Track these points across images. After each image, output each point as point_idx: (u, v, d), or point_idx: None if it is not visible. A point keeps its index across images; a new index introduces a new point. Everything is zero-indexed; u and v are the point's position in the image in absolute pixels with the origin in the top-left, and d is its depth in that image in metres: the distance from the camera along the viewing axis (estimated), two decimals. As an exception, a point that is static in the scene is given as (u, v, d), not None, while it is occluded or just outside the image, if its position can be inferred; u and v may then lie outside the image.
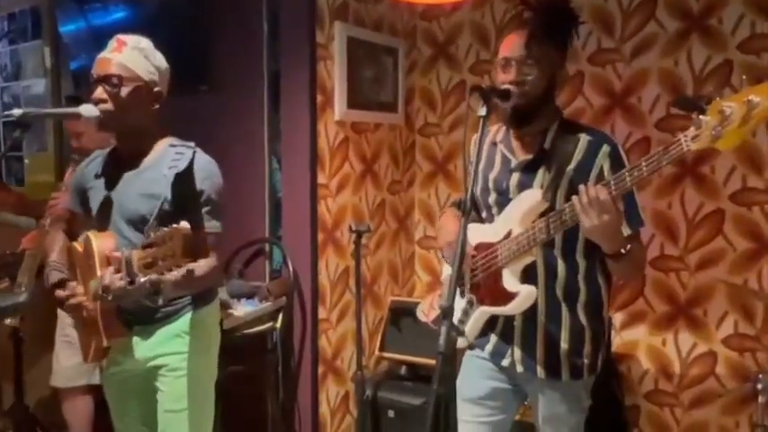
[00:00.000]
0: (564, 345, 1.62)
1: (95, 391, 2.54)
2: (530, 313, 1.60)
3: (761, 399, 1.65)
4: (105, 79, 1.62)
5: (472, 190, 1.40)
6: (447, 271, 1.79)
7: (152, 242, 1.41)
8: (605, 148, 1.54)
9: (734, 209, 2.48)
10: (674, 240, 2.60)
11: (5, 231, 2.93)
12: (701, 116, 1.22)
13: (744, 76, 1.22)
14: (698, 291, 2.56)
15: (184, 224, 1.40)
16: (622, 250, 1.43)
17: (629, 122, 2.64)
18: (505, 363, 1.68)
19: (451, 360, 1.34)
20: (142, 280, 1.44)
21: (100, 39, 2.96)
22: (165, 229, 1.40)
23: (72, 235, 1.85)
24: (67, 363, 2.50)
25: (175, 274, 1.42)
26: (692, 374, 2.59)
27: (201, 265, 1.64)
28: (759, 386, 1.65)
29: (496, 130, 1.72)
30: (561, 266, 1.60)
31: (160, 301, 1.68)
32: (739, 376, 2.50)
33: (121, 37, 1.66)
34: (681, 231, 2.58)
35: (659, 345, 2.65)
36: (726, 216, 2.50)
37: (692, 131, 1.24)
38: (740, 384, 2.47)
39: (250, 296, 2.57)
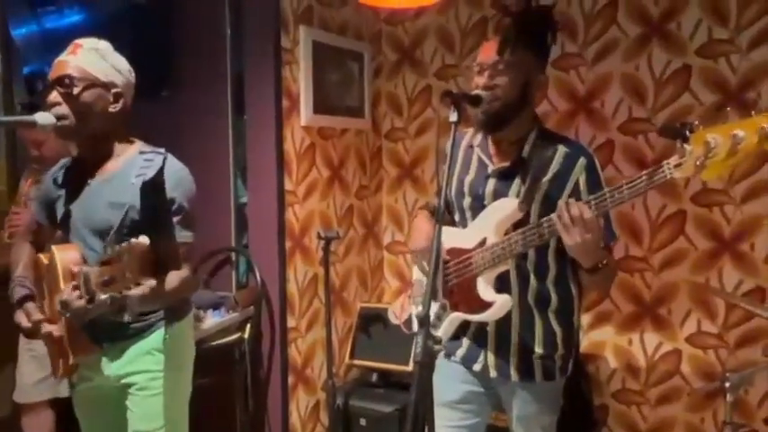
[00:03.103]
0: (537, 349, 1.62)
1: (58, 405, 2.45)
2: (503, 319, 1.60)
3: (729, 397, 1.67)
4: (59, 81, 1.54)
5: (445, 194, 1.38)
6: (417, 273, 1.77)
7: (109, 259, 1.35)
8: (582, 161, 1.54)
9: (695, 210, 2.53)
10: (639, 241, 2.63)
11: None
12: (684, 145, 1.23)
13: (728, 108, 1.23)
14: (662, 290, 2.60)
15: (142, 239, 1.33)
16: (600, 264, 1.43)
17: (593, 126, 2.67)
18: (477, 367, 1.68)
19: (429, 369, 1.30)
20: (102, 297, 1.37)
21: (54, 43, 2.85)
22: (123, 244, 1.33)
23: (39, 247, 1.77)
24: (31, 378, 2.42)
25: (137, 291, 1.35)
26: (657, 373, 2.63)
27: (172, 278, 1.58)
28: (727, 384, 1.67)
29: (474, 133, 1.70)
30: (533, 275, 1.61)
31: (127, 317, 1.60)
32: (703, 373, 2.55)
33: (79, 41, 1.59)
34: (645, 232, 2.62)
35: (626, 344, 2.68)
36: (687, 217, 2.55)
37: (674, 159, 1.25)
38: (705, 382, 2.52)
39: (217, 307, 2.50)
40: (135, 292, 1.35)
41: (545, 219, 1.44)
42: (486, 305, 1.54)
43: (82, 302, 1.39)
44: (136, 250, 1.32)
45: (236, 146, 2.69)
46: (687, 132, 1.22)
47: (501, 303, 1.53)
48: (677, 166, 1.24)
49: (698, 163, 1.20)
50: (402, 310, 1.78)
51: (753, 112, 1.17)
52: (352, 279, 3.04)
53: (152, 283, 1.39)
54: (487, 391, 1.71)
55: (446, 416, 1.69)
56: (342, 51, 2.86)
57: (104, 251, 1.40)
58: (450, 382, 1.70)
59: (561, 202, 1.39)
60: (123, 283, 1.34)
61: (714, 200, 2.49)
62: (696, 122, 1.23)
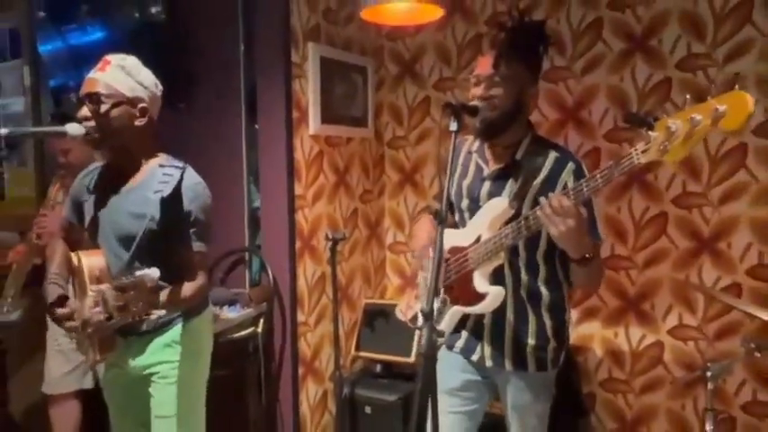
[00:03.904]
0: (530, 341, 1.64)
1: (83, 396, 2.45)
2: (498, 312, 1.61)
3: (710, 385, 1.68)
4: (89, 97, 1.56)
5: (447, 196, 1.39)
6: (422, 273, 1.78)
7: (123, 287, 1.36)
8: (570, 166, 1.55)
9: (676, 211, 2.54)
10: (624, 241, 2.64)
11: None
12: (649, 132, 1.24)
13: (688, 96, 1.24)
14: (645, 286, 2.61)
15: (152, 272, 1.35)
16: (587, 255, 1.44)
17: (581, 134, 2.68)
18: (475, 357, 1.69)
19: (433, 360, 1.31)
20: (118, 318, 1.39)
21: (78, 58, 2.87)
22: (133, 276, 1.35)
23: (73, 244, 1.78)
24: (58, 372, 2.42)
25: (148, 317, 1.39)
26: (642, 363, 2.64)
27: (187, 288, 1.61)
28: (708, 374, 1.67)
29: (472, 141, 1.72)
30: (524, 272, 1.62)
31: (145, 327, 1.63)
32: (684, 364, 2.56)
33: (108, 57, 1.60)
34: (629, 233, 2.63)
35: (612, 337, 2.69)
36: (669, 218, 2.56)
37: (641, 146, 1.26)
38: (686, 371, 2.53)
39: (232, 303, 2.52)
40: (144, 317, 1.39)
41: (530, 212, 1.45)
42: (481, 297, 1.55)
43: (101, 318, 1.41)
44: (145, 284, 1.34)
45: (249, 153, 2.70)
46: (652, 120, 1.24)
47: (494, 294, 1.54)
48: (644, 151, 1.25)
49: (661, 147, 1.21)
50: (408, 308, 1.79)
51: (708, 97, 1.18)
52: (357, 277, 3.05)
53: (161, 312, 1.43)
54: (485, 380, 1.73)
55: (447, 402, 1.70)
56: (347, 65, 2.87)
57: (120, 278, 1.41)
58: (452, 371, 1.72)
59: (543, 198, 1.40)
60: (135, 312, 1.37)
61: (693, 202, 2.51)
62: (658, 111, 1.25)
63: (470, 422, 1.74)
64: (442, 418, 1.71)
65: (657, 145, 1.23)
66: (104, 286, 1.40)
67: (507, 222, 1.52)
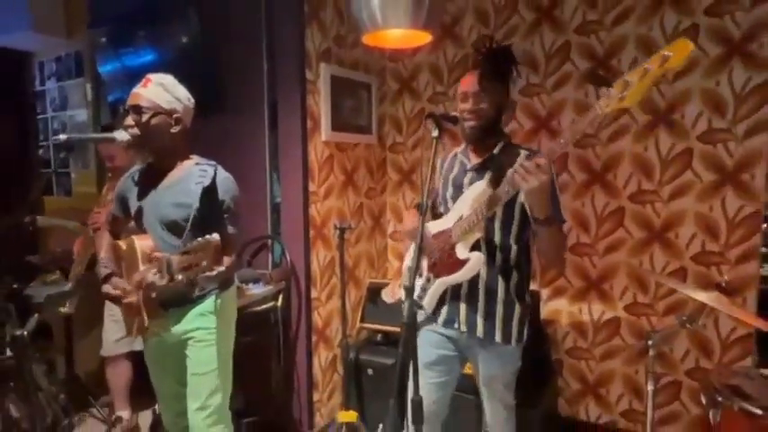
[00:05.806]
0: (498, 311, 1.65)
1: (134, 357, 2.53)
2: (473, 285, 1.64)
3: (651, 352, 1.69)
4: (133, 109, 1.62)
5: (433, 194, 1.41)
6: (408, 260, 1.82)
7: (188, 250, 1.42)
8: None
9: (632, 206, 2.55)
10: (587, 231, 2.66)
11: (57, 233, 2.88)
12: (610, 89, 1.25)
13: (636, 56, 1.24)
14: (605, 270, 2.63)
15: (216, 236, 1.40)
16: (549, 215, 1.45)
17: (552, 140, 2.67)
18: (456, 326, 1.71)
19: (414, 329, 1.35)
20: (180, 278, 1.44)
21: (132, 76, 2.92)
22: (200, 240, 1.40)
23: (116, 234, 1.83)
24: (113, 336, 2.51)
25: (212, 274, 1.44)
26: (601, 335, 2.66)
27: (226, 260, 1.65)
28: (650, 342, 1.69)
29: (460, 146, 1.77)
30: (498, 250, 1.64)
31: (196, 291, 1.69)
32: (637, 335, 2.57)
33: (150, 75, 1.65)
34: (592, 224, 2.64)
35: (577, 312, 2.71)
36: (626, 212, 2.56)
37: (603, 101, 1.26)
38: (637, 341, 2.55)
39: (256, 281, 2.57)
40: (209, 274, 1.44)
41: (505, 178, 1.46)
42: (463, 263, 1.58)
43: (164, 282, 1.47)
44: (212, 244, 1.40)
45: (271, 157, 2.73)
46: (612, 82, 1.25)
47: (475, 259, 1.57)
48: (606, 105, 1.25)
49: (619, 97, 1.23)
50: (394, 293, 1.85)
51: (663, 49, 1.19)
52: (362, 260, 3.09)
53: (222, 268, 1.47)
54: (458, 354, 1.75)
55: (425, 374, 1.72)
56: (354, 82, 2.89)
57: (183, 244, 1.46)
58: (428, 347, 1.75)
59: (520, 159, 1.42)
60: (199, 269, 1.41)
61: (647, 198, 2.51)
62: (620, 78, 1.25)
63: (443, 391, 1.77)
64: (422, 388, 1.76)
65: (616, 96, 1.23)
66: (167, 255, 1.46)
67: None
